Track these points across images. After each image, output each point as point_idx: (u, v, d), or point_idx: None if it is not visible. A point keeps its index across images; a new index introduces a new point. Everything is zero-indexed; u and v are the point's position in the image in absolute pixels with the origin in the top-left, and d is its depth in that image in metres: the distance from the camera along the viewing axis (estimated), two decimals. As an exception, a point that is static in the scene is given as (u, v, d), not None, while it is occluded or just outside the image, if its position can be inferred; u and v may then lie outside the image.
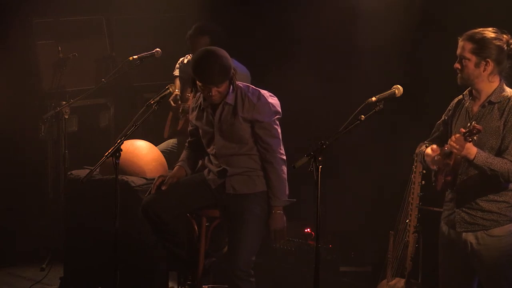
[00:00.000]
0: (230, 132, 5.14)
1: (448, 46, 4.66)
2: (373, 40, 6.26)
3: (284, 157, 5.17)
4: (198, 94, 5.29)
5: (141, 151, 6.05)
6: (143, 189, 5.72)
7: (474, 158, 4.25)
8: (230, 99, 5.11)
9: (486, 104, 4.42)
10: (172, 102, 6.66)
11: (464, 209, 4.44)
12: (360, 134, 5.13)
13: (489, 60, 4.36)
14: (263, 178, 5.16)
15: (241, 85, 5.18)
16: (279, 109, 5.16)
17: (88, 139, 7.45)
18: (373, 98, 4.39)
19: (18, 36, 7.18)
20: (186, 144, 5.49)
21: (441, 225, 4.60)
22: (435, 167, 4.46)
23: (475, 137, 4.20)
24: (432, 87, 5.98)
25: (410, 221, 5.07)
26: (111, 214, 4.90)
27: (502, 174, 4.28)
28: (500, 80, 4.43)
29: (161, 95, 5.13)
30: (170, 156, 6.48)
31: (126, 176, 5.87)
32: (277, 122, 5.15)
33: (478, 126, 4.18)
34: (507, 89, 4.43)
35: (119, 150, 4.88)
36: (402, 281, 5.10)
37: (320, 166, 4.22)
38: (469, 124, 4.24)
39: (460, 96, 4.57)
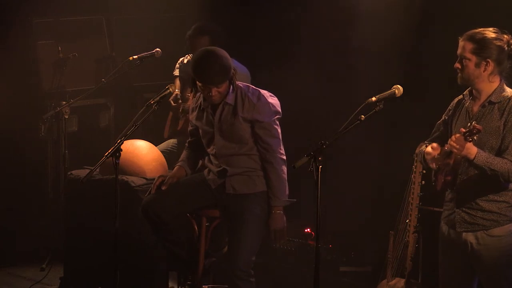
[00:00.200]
0: (230, 132, 5.14)
1: (448, 46, 4.66)
2: (373, 40, 6.26)
3: (284, 157, 5.17)
4: (198, 94, 5.28)
5: (141, 151, 6.05)
6: (143, 189, 5.72)
7: (474, 158, 4.25)
8: (230, 99, 5.11)
9: (486, 104, 4.42)
10: (172, 102, 6.65)
11: (464, 209, 4.44)
12: (360, 134, 5.13)
13: (489, 60, 4.36)
14: (263, 178, 5.16)
15: (241, 85, 5.18)
16: (279, 109, 5.16)
17: (88, 139, 7.45)
18: (373, 98, 4.39)
19: (18, 36, 7.18)
20: (186, 144, 5.49)
21: (441, 225, 4.60)
22: (434, 165, 4.46)
23: (475, 137, 4.20)
24: (432, 87, 5.98)
25: (410, 221, 5.07)
26: (111, 214, 4.90)
27: (502, 174, 4.28)
28: (501, 80, 4.43)
29: (161, 95, 5.13)
30: (170, 156, 6.48)
31: (126, 176, 5.87)
32: (277, 122, 5.15)
33: (478, 126, 4.18)
34: (507, 89, 4.43)
35: (119, 150, 4.88)
36: (402, 281, 5.10)
37: (320, 166, 4.22)
38: (469, 124, 4.24)
39: (460, 96, 4.57)
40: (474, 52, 4.36)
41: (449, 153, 4.36)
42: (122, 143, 4.89)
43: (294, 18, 6.87)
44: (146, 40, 7.26)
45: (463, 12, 5.71)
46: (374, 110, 4.37)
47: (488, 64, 4.36)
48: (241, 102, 5.11)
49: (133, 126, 4.99)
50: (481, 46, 4.35)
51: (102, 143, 7.19)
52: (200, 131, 5.30)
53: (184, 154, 5.46)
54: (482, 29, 4.40)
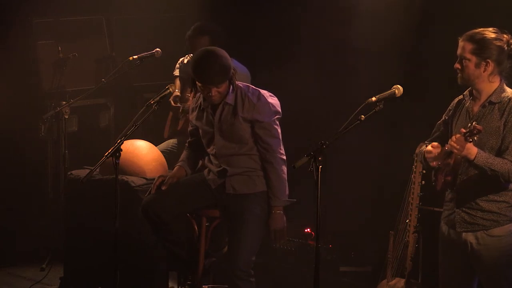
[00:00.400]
0: (230, 132, 5.14)
1: (448, 46, 4.66)
2: (373, 40, 6.26)
3: (284, 157, 5.17)
4: (198, 94, 5.28)
5: (141, 151, 6.05)
6: (143, 189, 5.72)
7: (474, 158, 4.25)
8: (230, 99, 5.11)
9: (487, 104, 4.41)
10: (172, 102, 6.65)
11: (464, 209, 4.44)
12: (360, 134, 5.13)
13: (489, 60, 4.36)
14: (263, 178, 5.16)
15: (241, 85, 5.17)
16: (279, 109, 5.16)
17: (88, 139, 7.45)
18: (373, 98, 4.39)
19: (18, 36, 7.18)
20: (186, 144, 5.49)
21: (441, 225, 4.60)
22: (435, 163, 4.46)
23: (475, 137, 4.20)
24: (432, 87, 5.98)
25: (410, 221, 5.07)
26: (111, 214, 4.90)
27: (503, 174, 4.28)
28: (501, 80, 4.43)
29: (161, 95, 5.13)
30: (170, 156, 6.48)
31: (126, 176, 5.87)
32: (277, 122, 5.15)
33: (478, 126, 4.18)
34: (508, 89, 4.43)
35: (119, 150, 4.88)
36: (402, 281, 5.10)
37: (320, 166, 4.22)
38: (469, 124, 4.24)
39: (461, 96, 4.57)
40: (474, 52, 4.36)
41: (449, 153, 4.36)
42: (122, 143, 4.89)
43: (294, 18, 6.87)
44: (146, 40, 7.26)
45: (463, 12, 5.71)
46: (374, 110, 4.37)
47: (488, 64, 4.36)
48: (241, 102, 5.11)
49: (133, 126, 4.99)
50: (481, 47, 4.35)
51: (102, 143, 7.19)
52: (200, 131, 5.30)
53: (184, 154, 5.46)
54: (482, 29, 4.40)
